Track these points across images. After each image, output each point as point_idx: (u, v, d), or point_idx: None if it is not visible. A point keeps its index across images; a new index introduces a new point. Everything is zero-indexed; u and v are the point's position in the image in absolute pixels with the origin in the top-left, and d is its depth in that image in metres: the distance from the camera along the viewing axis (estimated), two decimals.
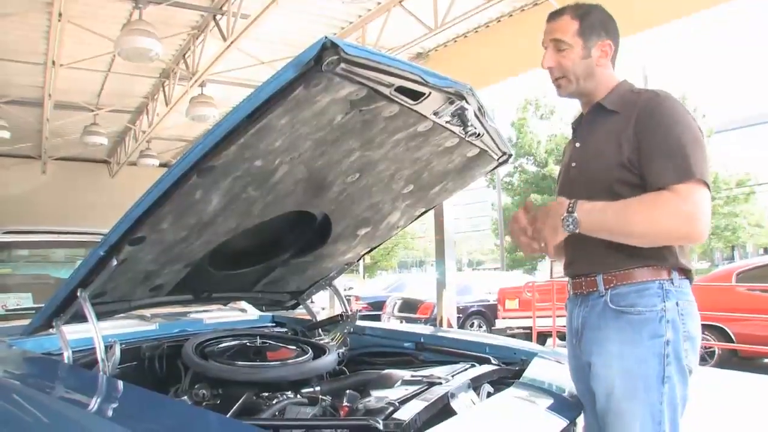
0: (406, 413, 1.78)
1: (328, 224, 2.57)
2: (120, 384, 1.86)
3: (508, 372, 2.46)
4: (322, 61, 1.54)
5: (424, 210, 2.88)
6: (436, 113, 2.03)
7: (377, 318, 13.82)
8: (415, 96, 1.90)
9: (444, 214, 9.43)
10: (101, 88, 11.47)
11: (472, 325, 13.50)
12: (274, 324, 3.32)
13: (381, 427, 1.70)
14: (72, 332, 2.17)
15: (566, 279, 2.20)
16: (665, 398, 1.89)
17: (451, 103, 1.99)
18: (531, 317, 10.81)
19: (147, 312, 2.89)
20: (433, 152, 2.33)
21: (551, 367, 2.51)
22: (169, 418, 1.63)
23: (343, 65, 1.58)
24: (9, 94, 11.26)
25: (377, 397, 1.97)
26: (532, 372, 2.38)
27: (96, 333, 2.03)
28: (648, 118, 1.93)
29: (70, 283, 2.09)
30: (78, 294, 2.08)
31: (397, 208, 2.71)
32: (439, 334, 3.05)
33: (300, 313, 3.36)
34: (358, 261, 3.12)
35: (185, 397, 2.18)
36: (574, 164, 2.15)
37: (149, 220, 1.90)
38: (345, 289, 17.76)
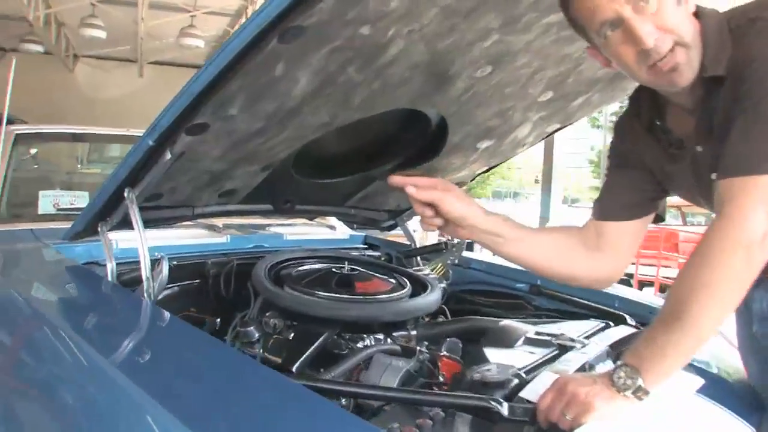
0: (535, 392, 1.28)
1: (445, 131, 2.06)
2: (162, 314, 1.46)
3: None
4: None
5: (558, 126, 2.37)
6: None
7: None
8: None
9: (554, 144, 8.90)
10: None
11: None
12: (366, 246, 2.89)
13: (506, 412, 1.22)
14: (127, 239, 1.79)
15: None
16: None
17: None
18: (633, 263, 10.13)
19: (218, 221, 2.51)
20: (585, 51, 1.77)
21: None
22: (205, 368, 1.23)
23: None
24: None
25: (499, 364, 1.46)
26: None
27: (142, 244, 1.61)
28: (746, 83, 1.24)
29: (114, 180, 1.66)
30: (125, 194, 1.66)
31: (528, 119, 2.18)
32: None
33: (396, 234, 2.93)
34: (472, 181, 2.65)
35: (252, 327, 1.75)
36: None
37: (212, 102, 1.41)
38: None
